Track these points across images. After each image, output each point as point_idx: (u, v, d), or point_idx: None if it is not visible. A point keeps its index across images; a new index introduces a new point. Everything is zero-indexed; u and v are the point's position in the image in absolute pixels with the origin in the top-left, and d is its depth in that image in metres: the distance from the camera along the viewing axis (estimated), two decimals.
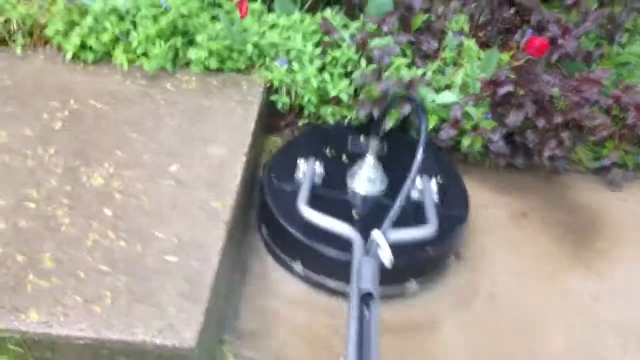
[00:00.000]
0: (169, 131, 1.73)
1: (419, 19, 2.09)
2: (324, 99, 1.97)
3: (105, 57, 1.90)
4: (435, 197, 1.70)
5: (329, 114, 1.97)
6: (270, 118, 2.00)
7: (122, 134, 1.70)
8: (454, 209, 1.72)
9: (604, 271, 1.72)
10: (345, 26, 2.09)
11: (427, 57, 2.08)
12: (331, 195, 1.72)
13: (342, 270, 1.48)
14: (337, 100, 1.97)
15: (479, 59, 2.07)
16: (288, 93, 1.97)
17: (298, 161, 1.76)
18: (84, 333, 1.28)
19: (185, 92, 1.85)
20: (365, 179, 1.74)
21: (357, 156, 1.80)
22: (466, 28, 2.19)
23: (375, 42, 2.01)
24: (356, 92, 1.99)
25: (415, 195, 1.72)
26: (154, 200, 1.55)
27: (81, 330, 1.28)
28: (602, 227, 1.85)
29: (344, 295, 1.60)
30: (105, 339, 1.28)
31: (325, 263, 1.60)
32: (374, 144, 1.78)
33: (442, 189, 1.74)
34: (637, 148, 1.94)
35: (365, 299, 1.28)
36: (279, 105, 1.97)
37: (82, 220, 1.48)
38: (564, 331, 1.58)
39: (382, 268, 1.36)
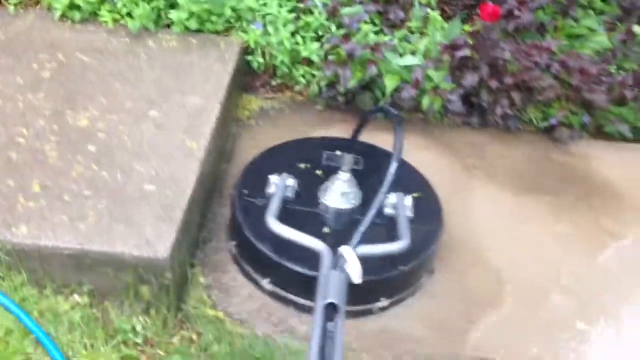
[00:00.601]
0: (150, 82, 1.92)
1: None
2: (296, 60, 2.16)
3: (92, 16, 2.09)
4: (410, 213, 1.70)
5: (300, 74, 2.17)
6: (246, 77, 2.19)
7: (106, 84, 1.89)
8: (428, 225, 1.72)
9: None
10: None
11: (394, 26, 2.28)
12: (303, 209, 1.71)
13: (312, 288, 1.42)
14: (308, 62, 2.16)
15: (443, 28, 2.27)
16: (263, 54, 2.16)
17: (269, 176, 1.74)
18: (69, 244, 1.46)
19: (166, 50, 2.04)
20: (338, 193, 1.74)
21: (331, 170, 1.78)
22: (433, 1, 2.39)
23: (346, 10, 2.20)
24: (326, 56, 2.18)
25: (389, 211, 1.71)
26: (134, 140, 1.73)
27: (66, 242, 1.46)
28: (546, 180, 2.05)
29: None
30: (87, 250, 1.46)
31: (295, 280, 1.60)
32: (348, 158, 1.78)
33: (417, 205, 1.73)
34: (582, 109, 2.15)
35: (330, 312, 1.27)
36: (255, 65, 2.16)
37: (68, 154, 1.67)
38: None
39: (352, 286, 1.37)
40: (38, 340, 1.38)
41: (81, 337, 1.43)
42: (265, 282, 1.64)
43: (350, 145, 1.84)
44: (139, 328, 1.49)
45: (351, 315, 1.52)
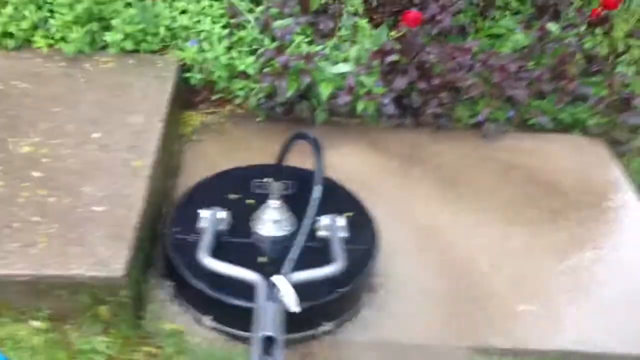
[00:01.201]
0: (90, 104, 1.97)
1: (316, 2, 2.41)
2: (233, 74, 2.25)
3: (26, 42, 2.11)
4: (344, 234, 1.71)
5: (238, 88, 2.26)
6: (185, 94, 2.26)
7: (46, 109, 1.93)
8: (362, 244, 1.74)
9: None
10: (251, 10, 2.38)
11: (325, 35, 2.40)
12: (237, 241, 1.71)
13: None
14: (245, 75, 2.25)
15: (371, 36, 2.41)
16: (200, 70, 2.24)
17: (199, 210, 1.73)
18: (23, 271, 1.50)
19: (103, 71, 2.09)
20: (270, 221, 1.74)
21: (263, 199, 1.78)
22: (361, 10, 2.53)
23: (278, 23, 2.31)
24: (262, 68, 2.28)
25: (323, 233, 1.71)
26: (79, 163, 1.78)
27: (19, 269, 1.50)
28: (479, 173, 2.22)
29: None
30: (42, 275, 1.50)
31: (236, 314, 1.58)
32: (277, 185, 1.78)
33: (351, 225, 1.74)
34: (506, 104, 2.33)
35: (267, 345, 1.27)
36: (193, 82, 2.24)
37: (14, 181, 1.70)
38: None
39: (292, 314, 1.39)
40: None
41: None
42: (207, 320, 1.64)
43: (279, 170, 1.82)
44: (101, 347, 1.54)
45: (296, 341, 1.59)
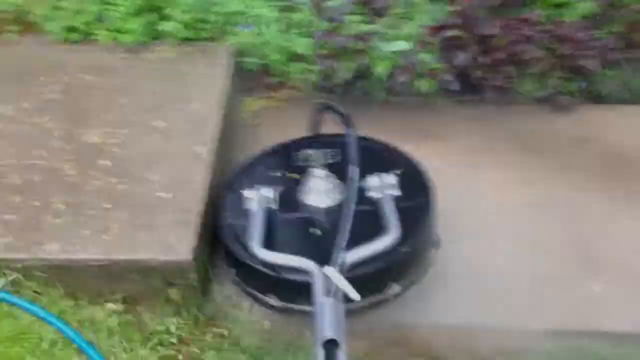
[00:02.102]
0: (151, 94, 2.06)
1: None
2: (289, 57, 2.30)
3: (88, 36, 2.22)
4: (396, 193, 1.67)
5: (295, 70, 2.30)
6: (242, 79, 2.32)
7: (110, 99, 2.03)
8: (417, 200, 1.69)
9: None
10: None
11: (380, 13, 2.40)
12: (288, 217, 1.70)
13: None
14: (301, 58, 2.29)
15: (428, 11, 2.40)
16: (256, 55, 2.29)
17: (245, 191, 1.73)
18: (97, 256, 1.61)
19: (162, 60, 2.18)
20: (318, 192, 1.73)
21: (305, 171, 1.78)
22: None
23: (331, 3, 2.34)
24: (318, 50, 2.31)
25: (372, 194, 1.68)
26: (144, 151, 1.88)
27: (94, 254, 1.61)
28: (551, 147, 2.19)
29: None
30: (114, 259, 1.61)
31: (299, 291, 1.55)
32: (318, 154, 1.78)
33: (402, 181, 1.71)
34: (576, 75, 2.28)
35: (329, 347, 1.26)
36: (249, 67, 2.30)
37: (85, 170, 1.81)
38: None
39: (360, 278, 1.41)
40: (81, 348, 1.53)
41: (120, 341, 1.58)
42: (272, 299, 1.63)
43: (319, 140, 1.81)
44: (172, 329, 1.64)
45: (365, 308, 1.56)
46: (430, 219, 1.69)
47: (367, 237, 1.53)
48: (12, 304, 1.58)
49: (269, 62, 2.30)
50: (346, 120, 1.62)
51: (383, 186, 1.68)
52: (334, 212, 1.67)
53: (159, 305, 1.65)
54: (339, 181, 1.74)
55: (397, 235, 1.53)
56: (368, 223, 1.56)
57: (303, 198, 1.74)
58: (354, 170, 1.55)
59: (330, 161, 1.80)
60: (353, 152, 1.56)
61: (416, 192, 1.72)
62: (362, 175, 1.60)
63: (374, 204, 1.66)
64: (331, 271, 1.42)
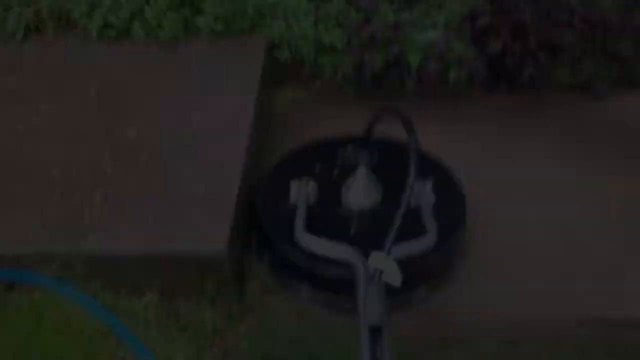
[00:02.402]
0: (186, 88, 2.09)
1: None
2: (321, 49, 2.30)
3: (124, 32, 2.26)
4: (432, 200, 1.72)
5: (326, 62, 2.30)
6: (275, 71, 2.33)
7: (147, 94, 2.07)
8: (450, 209, 1.75)
9: None
10: None
11: (412, 2, 2.38)
12: (327, 213, 1.74)
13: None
14: (333, 49, 2.29)
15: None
16: (289, 47, 2.30)
17: (291, 183, 1.78)
18: (134, 247, 1.66)
19: (197, 54, 2.21)
20: (360, 190, 1.76)
21: (349, 169, 1.82)
22: None
23: None
24: (350, 41, 2.31)
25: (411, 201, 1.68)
26: (181, 144, 1.91)
27: (131, 245, 1.66)
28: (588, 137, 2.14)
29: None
30: (152, 252, 1.65)
31: (336, 283, 1.63)
32: (365, 154, 1.81)
33: (436, 189, 1.75)
34: (611, 62, 2.22)
35: (375, 334, 1.30)
36: (282, 59, 2.31)
37: (123, 165, 1.85)
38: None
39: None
40: (121, 338, 1.58)
41: (157, 333, 1.63)
42: (307, 290, 1.70)
43: (364, 141, 1.86)
44: (207, 319, 1.67)
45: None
46: (462, 228, 1.76)
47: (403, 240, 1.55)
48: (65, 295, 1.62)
49: (301, 55, 2.31)
50: (408, 124, 1.63)
51: (421, 195, 1.72)
52: (372, 213, 1.73)
53: (194, 296, 1.68)
54: (380, 184, 1.79)
55: (434, 238, 1.59)
56: (403, 226, 1.55)
57: (343, 195, 1.78)
58: (414, 173, 1.54)
59: (374, 163, 1.82)
60: (414, 157, 1.57)
61: (450, 200, 1.77)
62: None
63: (411, 208, 1.65)
64: (380, 256, 1.43)
